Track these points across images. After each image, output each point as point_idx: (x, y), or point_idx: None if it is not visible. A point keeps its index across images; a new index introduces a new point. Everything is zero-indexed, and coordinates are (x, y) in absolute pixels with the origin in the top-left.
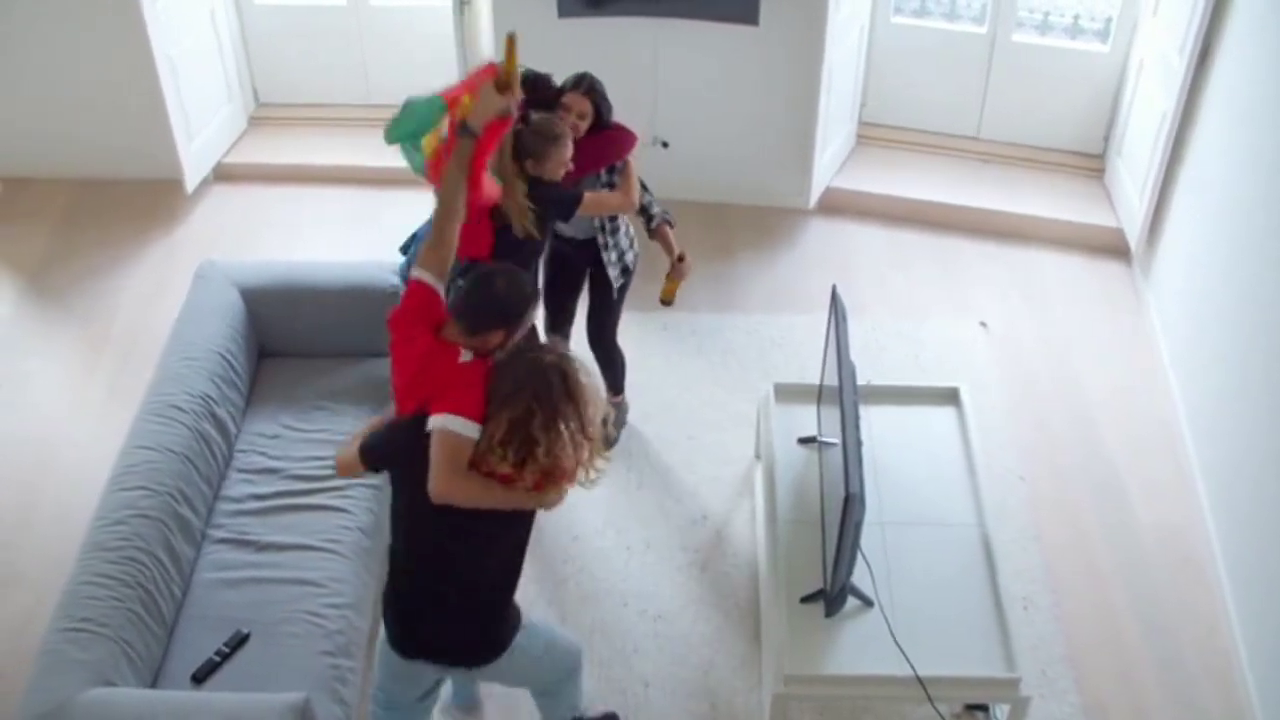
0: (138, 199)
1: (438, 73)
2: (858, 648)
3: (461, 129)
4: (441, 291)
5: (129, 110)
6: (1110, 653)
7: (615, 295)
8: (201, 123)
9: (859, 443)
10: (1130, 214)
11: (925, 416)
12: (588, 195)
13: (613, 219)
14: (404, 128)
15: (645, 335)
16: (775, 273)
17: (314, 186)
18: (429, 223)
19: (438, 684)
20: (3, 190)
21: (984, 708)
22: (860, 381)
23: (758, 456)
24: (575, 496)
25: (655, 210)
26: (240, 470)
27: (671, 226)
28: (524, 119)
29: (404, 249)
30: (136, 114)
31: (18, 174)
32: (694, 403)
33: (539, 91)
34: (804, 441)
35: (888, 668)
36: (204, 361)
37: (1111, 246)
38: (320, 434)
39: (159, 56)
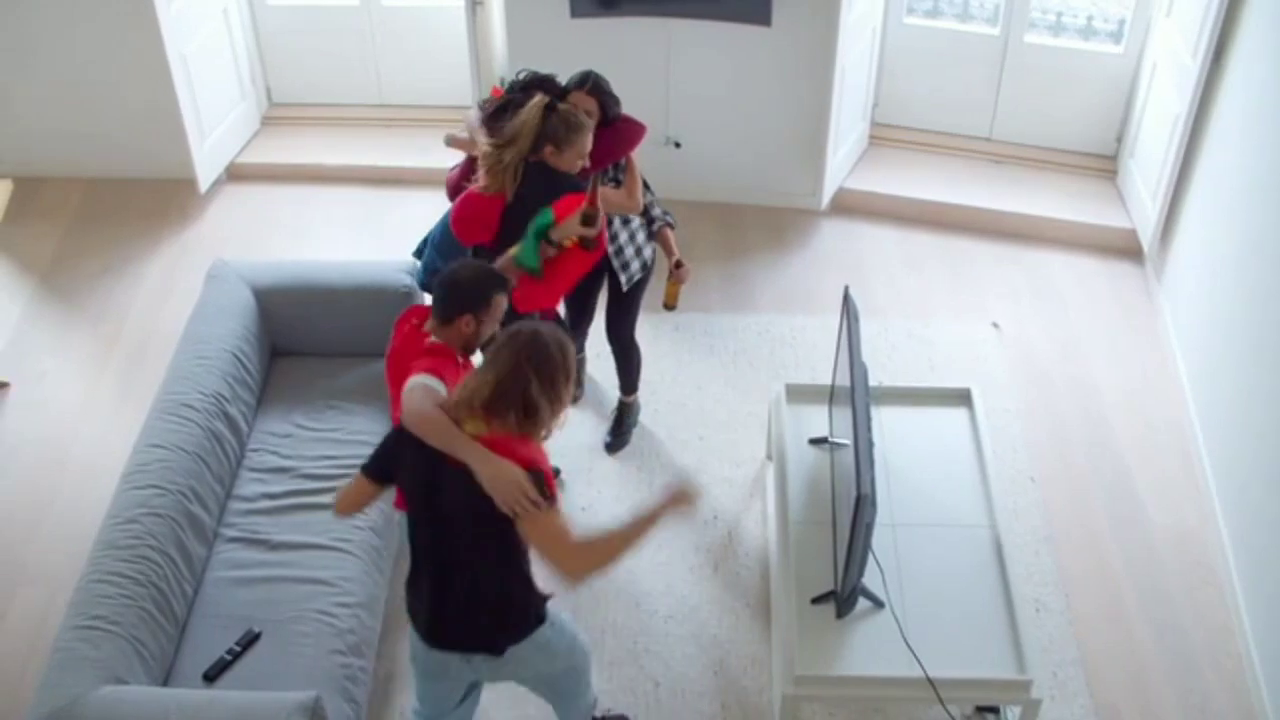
0: (150, 198)
1: (450, 73)
2: (869, 649)
3: (545, 235)
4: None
5: (142, 110)
6: (1122, 655)
7: (626, 290)
8: (214, 122)
9: (870, 444)
10: (1143, 215)
11: (937, 418)
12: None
13: (620, 220)
14: (528, 246)
15: (657, 335)
16: (787, 273)
17: (326, 186)
18: (441, 224)
19: (473, 689)
20: (16, 189)
21: (995, 710)
22: (872, 382)
23: (769, 457)
24: (587, 499)
25: (656, 212)
26: (252, 469)
27: (672, 228)
28: (550, 107)
29: (417, 253)
30: (149, 113)
31: (31, 173)
32: (705, 403)
33: (546, 93)
34: (815, 442)
35: (899, 669)
36: (216, 360)
37: (1124, 248)
38: (332, 433)
39: (172, 56)
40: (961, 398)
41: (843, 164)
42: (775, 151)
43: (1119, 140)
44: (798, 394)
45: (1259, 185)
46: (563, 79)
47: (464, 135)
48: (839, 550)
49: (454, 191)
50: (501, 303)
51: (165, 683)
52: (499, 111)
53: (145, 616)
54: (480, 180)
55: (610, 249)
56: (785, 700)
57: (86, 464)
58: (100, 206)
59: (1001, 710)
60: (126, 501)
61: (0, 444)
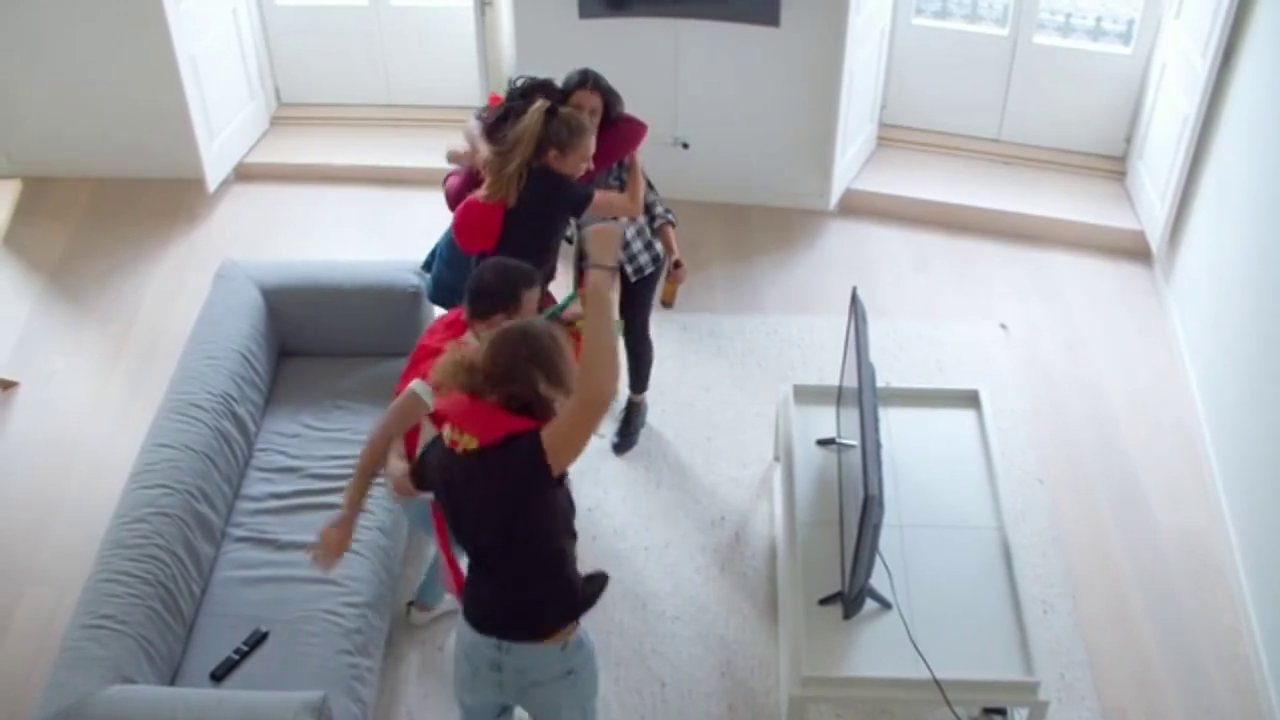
0: (159, 198)
1: (458, 74)
2: (876, 650)
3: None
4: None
5: (151, 110)
6: (1129, 657)
7: (636, 282)
8: (223, 122)
9: (878, 445)
10: (1152, 216)
11: (945, 419)
12: (598, 195)
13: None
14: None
15: (664, 336)
16: (795, 274)
17: (335, 186)
18: (446, 236)
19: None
20: (25, 189)
21: (1002, 711)
22: (880, 383)
23: (776, 458)
24: (594, 499)
25: (659, 210)
26: (260, 469)
27: (673, 226)
28: (551, 111)
29: (425, 266)
30: (158, 113)
31: (40, 173)
32: (713, 404)
33: (546, 97)
34: (823, 443)
35: (906, 670)
36: (224, 360)
37: (1133, 249)
38: (339, 433)
39: (181, 56)
40: (969, 399)
41: (851, 165)
42: (783, 152)
43: (1128, 141)
44: (805, 395)
45: (1269, 187)
46: (561, 81)
47: (462, 148)
48: (846, 551)
49: (454, 199)
50: (533, 298)
51: (172, 682)
52: (500, 120)
53: (153, 616)
54: (483, 189)
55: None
56: (792, 701)
57: (95, 463)
58: (109, 206)
59: (1009, 712)
60: (134, 501)
61: (9, 443)
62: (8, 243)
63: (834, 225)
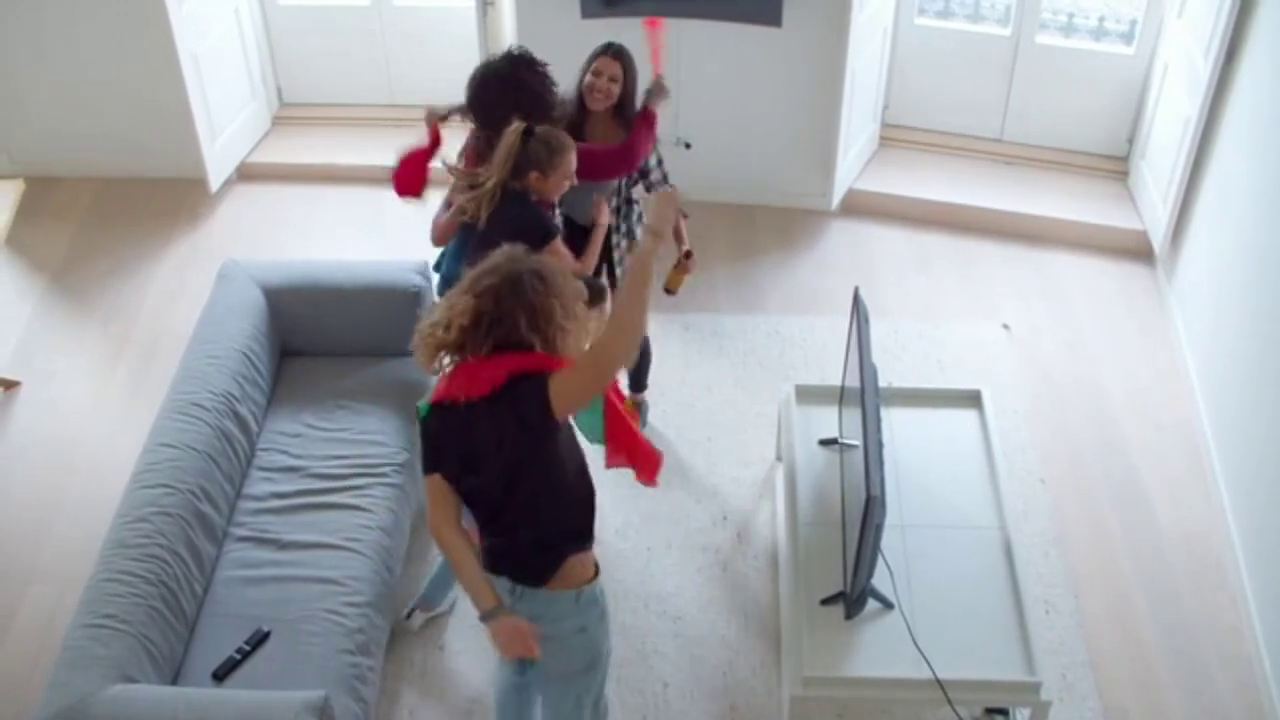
0: (161, 198)
1: (461, 74)
2: (878, 650)
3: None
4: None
5: (153, 109)
6: (1131, 657)
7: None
8: (225, 122)
9: (880, 445)
10: (1154, 217)
11: (946, 419)
12: (554, 242)
13: (627, 204)
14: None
15: (666, 336)
16: (797, 274)
17: (337, 186)
18: (459, 237)
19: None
20: (28, 189)
21: (1004, 711)
22: (881, 383)
23: (778, 458)
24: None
25: (655, 177)
26: (262, 468)
27: (685, 218)
28: (528, 132)
29: (437, 266)
30: (161, 113)
31: (42, 173)
32: (715, 404)
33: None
34: (825, 443)
35: (908, 670)
36: (226, 360)
37: (1135, 249)
38: (342, 433)
39: (183, 56)
40: (971, 399)
41: (853, 165)
42: (785, 152)
43: (1130, 141)
44: (807, 395)
45: (1271, 187)
46: (571, 81)
47: (444, 108)
48: (848, 551)
49: (443, 237)
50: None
51: (174, 681)
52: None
53: (155, 615)
54: (459, 202)
55: (614, 256)
56: (794, 701)
57: (96, 463)
58: (111, 206)
59: (1011, 712)
60: (136, 500)
61: (11, 443)
62: (10, 242)
63: (836, 225)
